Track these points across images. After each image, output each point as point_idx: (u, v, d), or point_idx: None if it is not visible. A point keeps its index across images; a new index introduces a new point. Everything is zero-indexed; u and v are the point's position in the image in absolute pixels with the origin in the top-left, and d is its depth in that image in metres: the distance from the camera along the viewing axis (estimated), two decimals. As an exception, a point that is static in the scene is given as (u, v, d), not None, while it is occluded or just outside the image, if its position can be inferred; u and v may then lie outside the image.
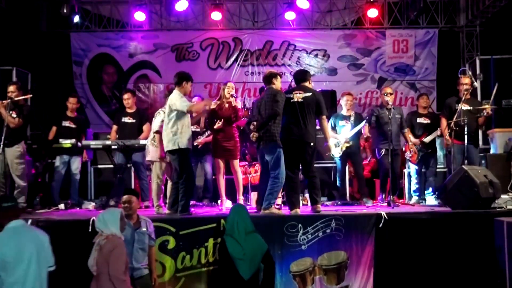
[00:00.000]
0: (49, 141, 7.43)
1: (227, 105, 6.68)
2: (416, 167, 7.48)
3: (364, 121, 7.27)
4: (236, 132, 6.82)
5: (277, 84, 6.11)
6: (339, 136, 7.28)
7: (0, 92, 7.29)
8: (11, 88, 6.66)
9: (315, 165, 6.26)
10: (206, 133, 6.96)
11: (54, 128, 7.57)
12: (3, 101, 6.48)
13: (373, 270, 5.54)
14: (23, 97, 6.74)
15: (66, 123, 7.53)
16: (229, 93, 6.76)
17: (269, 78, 6.13)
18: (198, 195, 7.61)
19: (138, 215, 5.05)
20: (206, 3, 10.21)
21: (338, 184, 7.51)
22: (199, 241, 5.40)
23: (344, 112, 7.53)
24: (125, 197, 4.96)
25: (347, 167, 7.63)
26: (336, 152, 7.12)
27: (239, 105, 6.91)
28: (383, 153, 7.14)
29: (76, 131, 7.52)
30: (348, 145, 7.23)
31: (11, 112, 6.50)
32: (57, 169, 7.36)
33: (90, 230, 5.09)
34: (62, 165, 7.34)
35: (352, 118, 7.38)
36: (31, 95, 7.25)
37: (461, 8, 10.28)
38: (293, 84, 6.72)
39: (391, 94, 7.21)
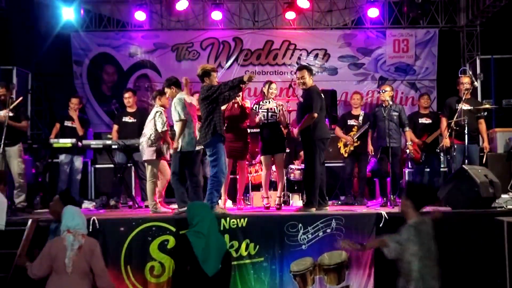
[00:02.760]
0: (50, 140, 7.42)
1: (235, 105, 6.64)
2: (418, 167, 7.50)
3: (368, 123, 7.29)
4: (247, 132, 6.77)
5: (210, 80, 5.85)
6: (346, 136, 7.41)
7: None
8: (0, 90, 6.66)
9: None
10: None
11: (57, 125, 7.60)
12: (5, 110, 6.41)
13: (374, 269, 5.54)
14: (16, 101, 6.63)
15: (68, 123, 7.56)
16: None
17: (201, 77, 5.90)
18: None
19: None
20: (207, 2, 10.19)
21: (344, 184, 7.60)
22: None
23: (353, 111, 7.63)
24: None
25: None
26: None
27: (247, 104, 6.87)
28: (379, 154, 7.02)
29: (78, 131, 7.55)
30: (356, 144, 7.30)
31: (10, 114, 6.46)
32: (62, 168, 7.39)
33: (90, 230, 5.07)
34: (66, 165, 7.38)
35: (361, 118, 7.44)
36: (21, 98, 6.93)
37: (461, 8, 10.25)
38: (293, 83, 6.73)
39: (389, 92, 7.16)
